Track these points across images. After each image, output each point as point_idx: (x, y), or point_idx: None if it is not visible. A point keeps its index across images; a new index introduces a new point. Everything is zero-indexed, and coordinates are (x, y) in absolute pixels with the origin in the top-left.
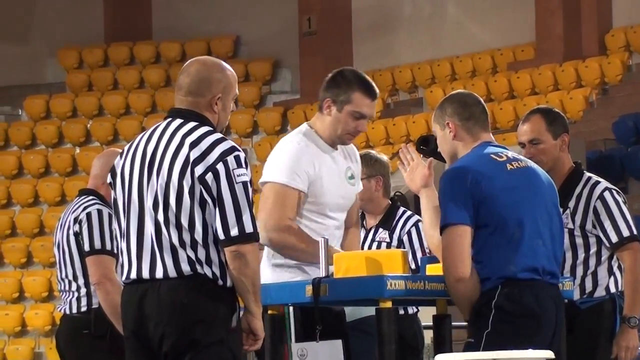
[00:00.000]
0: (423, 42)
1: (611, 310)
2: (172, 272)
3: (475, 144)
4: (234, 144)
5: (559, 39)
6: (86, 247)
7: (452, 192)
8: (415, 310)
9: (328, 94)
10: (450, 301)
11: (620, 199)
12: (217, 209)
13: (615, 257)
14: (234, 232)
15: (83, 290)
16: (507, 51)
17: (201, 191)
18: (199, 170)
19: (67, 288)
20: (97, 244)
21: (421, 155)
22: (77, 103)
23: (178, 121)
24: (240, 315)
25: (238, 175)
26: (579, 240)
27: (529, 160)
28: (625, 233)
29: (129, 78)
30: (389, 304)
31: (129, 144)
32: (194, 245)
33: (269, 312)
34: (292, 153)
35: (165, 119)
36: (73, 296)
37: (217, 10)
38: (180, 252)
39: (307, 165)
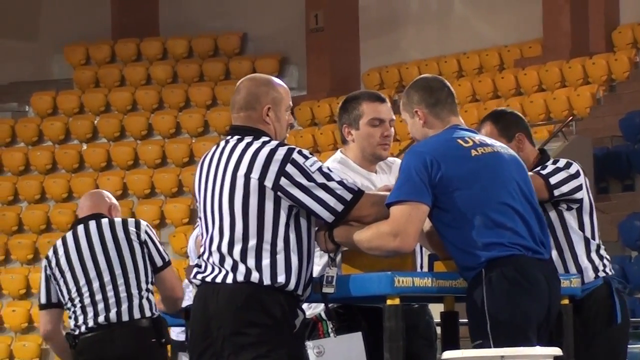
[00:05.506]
0: (430, 39)
1: (607, 295)
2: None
3: (444, 129)
4: (290, 146)
5: (566, 35)
6: (162, 260)
7: (412, 170)
8: None
9: (343, 122)
10: (458, 298)
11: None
12: (310, 199)
13: (591, 241)
14: (339, 207)
15: (147, 295)
16: (514, 48)
17: (279, 198)
18: (270, 179)
19: (122, 294)
20: (166, 256)
21: None
22: (84, 99)
23: (236, 138)
24: (298, 320)
25: (310, 165)
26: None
27: (497, 143)
28: None
29: (135, 74)
30: (397, 301)
31: (200, 164)
32: (258, 251)
33: None
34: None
35: (226, 136)
36: (133, 301)
37: (224, 6)
38: (249, 256)
39: None
